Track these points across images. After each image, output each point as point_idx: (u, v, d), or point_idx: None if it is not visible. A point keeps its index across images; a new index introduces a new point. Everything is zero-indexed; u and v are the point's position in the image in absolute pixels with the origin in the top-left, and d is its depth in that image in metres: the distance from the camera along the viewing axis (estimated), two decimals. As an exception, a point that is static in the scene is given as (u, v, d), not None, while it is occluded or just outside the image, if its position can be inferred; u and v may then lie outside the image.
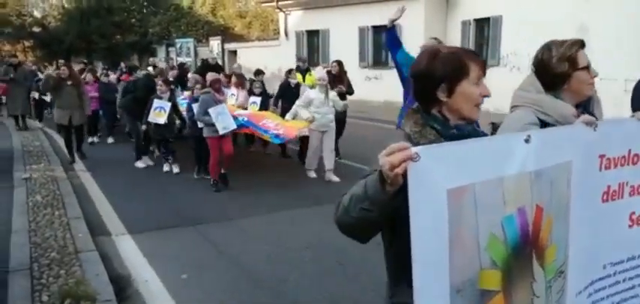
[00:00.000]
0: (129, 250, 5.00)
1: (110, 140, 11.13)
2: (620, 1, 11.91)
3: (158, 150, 8.96)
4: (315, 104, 7.52)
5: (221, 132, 6.79)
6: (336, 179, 7.46)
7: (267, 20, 30.37)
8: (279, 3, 20.83)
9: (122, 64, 17.75)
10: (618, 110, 12.63)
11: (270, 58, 19.88)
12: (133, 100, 8.48)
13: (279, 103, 9.27)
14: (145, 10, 30.74)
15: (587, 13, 12.56)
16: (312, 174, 7.79)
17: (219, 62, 17.09)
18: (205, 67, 12.93)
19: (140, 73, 10.95)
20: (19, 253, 4.54)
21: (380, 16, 17.15)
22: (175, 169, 8.09)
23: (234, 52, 23.66)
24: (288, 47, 20.74)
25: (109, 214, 6.14)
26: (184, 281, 4.28)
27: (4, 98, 13.59)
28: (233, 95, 9.39)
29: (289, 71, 9.81)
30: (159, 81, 8.21)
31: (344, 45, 18.36)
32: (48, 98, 12.05)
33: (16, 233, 5.07)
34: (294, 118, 7.87)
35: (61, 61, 15.22)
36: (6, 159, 9.04)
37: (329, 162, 7.72)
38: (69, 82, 8.71)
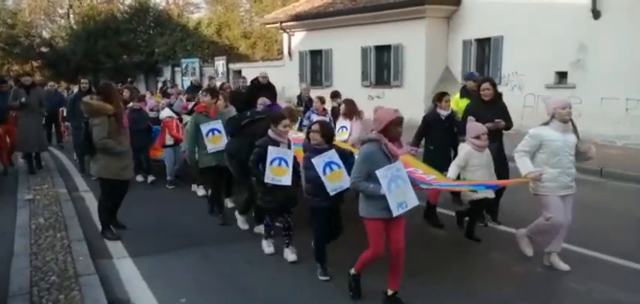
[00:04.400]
0: (129, 273, 5.03)
1: (139, 178, 8.97)
2: (620, 20, 11.98)
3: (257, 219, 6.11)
4: (551, 150, 4.74)
5: (395, 213, 3.92)
6: (565, 267, 4.91)
7: (271, 41, 30.79)
8: (283, 24, 21.06)
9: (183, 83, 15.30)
10: (619, 128, 12.77)
11: (274, 78, 20.01)
12: (249, 149, 5.47)
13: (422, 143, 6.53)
14: (151, 31, 31.15)
15: (586, 34, 12.64)
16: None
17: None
18: (255, 87, 10.61)
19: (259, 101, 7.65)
20: (20, 277, 4.60)
21: (382, 36, 17.36)
22: (292, 256, 5.21)
23: (238, 72, 23.86)
24: (292, 67, 20.94)
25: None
26: (183, 304, 4.34)
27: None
28: (344, 128, 7.20)
29: (440, 96, 6.45)
30: (283, 120, 5.24)
31: (347, 64, 18.54)
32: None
33: (17, 257, 5.14)
34: (458, 178, 5.40)
35: (124, 84, 12.27)
36: (11, 179, 9.16)
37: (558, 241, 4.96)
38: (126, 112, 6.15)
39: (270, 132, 5.18)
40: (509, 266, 5.07)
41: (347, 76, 18.10)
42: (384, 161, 3.95)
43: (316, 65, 20.39)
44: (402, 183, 3.97)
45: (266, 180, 5.02)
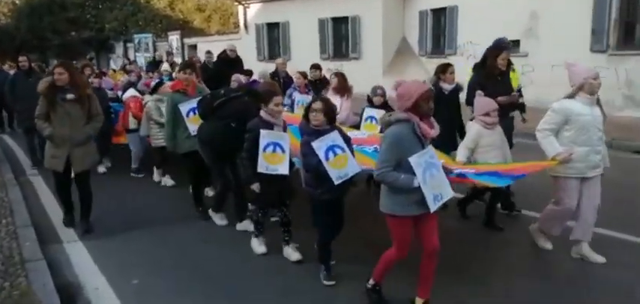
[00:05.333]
0: (80, 257, 4.85)
1: (102, 169, 8.05)
2: (569, -11, 12.28)
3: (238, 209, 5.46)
4: (579, 126, 4.19)
5: (433, 208, 3.33)
6: (600, 259, 4.39)
7: (226, 13, 30.12)
8: (238, -4, 20.63)
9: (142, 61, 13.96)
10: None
11: (231, 52, 19.65)
12: (225, 132, 5.07)
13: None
14: (100, 6, 29.88)
15: (538, 2, 12.92)
16: (548, 245, 4.68)
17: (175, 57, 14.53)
18: (223, 62, 9.79)
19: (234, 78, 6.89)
20: (-39, 266, 4.36)
21: (339, 7, 17.22)
22: (296, 255, 4.59)
23: (194, 47, 23.29)
24: (249, 40, 20.57)
25: (61, 221, 5.85)
26: (136, 286, 4.23)
27: None
28: None
29: (444, 68, 5.75)
30: (273, 98, 4.48)
31: (304, 37, 18.38)
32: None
33: (-42, 246, 4.87)
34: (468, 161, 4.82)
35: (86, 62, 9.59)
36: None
37: (586, 229, 4.42)
38: (69, 96, 5.12)
39: (262, 113, 4.46)
40: (524, 253, 4.76)
41: (305, 49, 17.95)
42: (416, 145, 3.29)
43: (273, 38, 20.12)
44: (436, 172, 3.35)
45: (259, 170, 4.33)
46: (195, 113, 5.64)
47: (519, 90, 5.93)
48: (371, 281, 3.75)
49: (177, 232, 5.48)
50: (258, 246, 4.76)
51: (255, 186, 4.46)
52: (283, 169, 4.37)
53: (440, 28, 15.75)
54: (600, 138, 4.25)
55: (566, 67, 4.39)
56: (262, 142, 4.33)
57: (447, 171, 3.59)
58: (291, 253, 4.60)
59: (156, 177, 7.56)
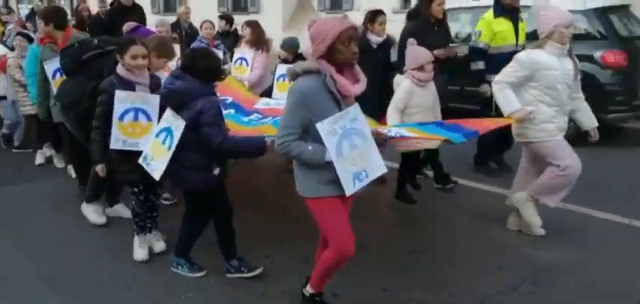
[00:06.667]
0: None
1: None
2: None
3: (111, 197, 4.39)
4: (547, 82, 3.58)
5: (350, 190, 2.51)
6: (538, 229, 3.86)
7: (119, -39, 27.91)
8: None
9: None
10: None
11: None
12: (94, 96, 3.68)
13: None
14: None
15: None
16: (541, 230, 3.83)
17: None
18: (117, 11, 7.50)
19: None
20: None
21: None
22: (160, 245, 3.73)
23: (82, -4, 21.52)
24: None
25: None
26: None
27: None
28: (243, 61, 5.51)
29: (373, 16, 4.91)
30: (130, 48, 3.47)
31: (201, -14, 17.59)
32: None
33: None
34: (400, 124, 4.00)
35: None
36: None
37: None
38: None
39: (118, 69, 3.46)
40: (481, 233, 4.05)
41: (203, 1, 17.24)
42: (330, 106, 2.47)
43: (167, -15, 19.14)
44: (359, 141, 2.51)
45: (113, 145, 3.36)
46: (62, 74, 4.40)
47: (523, 47, 4.89)
48: (308, 289, 2.88)
49: (14, 189, 5.14)
50: (138, 248, 3.63)
51: (100, 169, 3.53)
52: (146, 144, 3.32)
53: (339, -17, 15.82)
54: (569, 96, 3.66)
55: (538, 12, 3.78)
56: (118, 108, 3.33)
57: (380, 139, 2.85)
58: (155, 243, 3.73)
59: (39, 158, 6.08)
